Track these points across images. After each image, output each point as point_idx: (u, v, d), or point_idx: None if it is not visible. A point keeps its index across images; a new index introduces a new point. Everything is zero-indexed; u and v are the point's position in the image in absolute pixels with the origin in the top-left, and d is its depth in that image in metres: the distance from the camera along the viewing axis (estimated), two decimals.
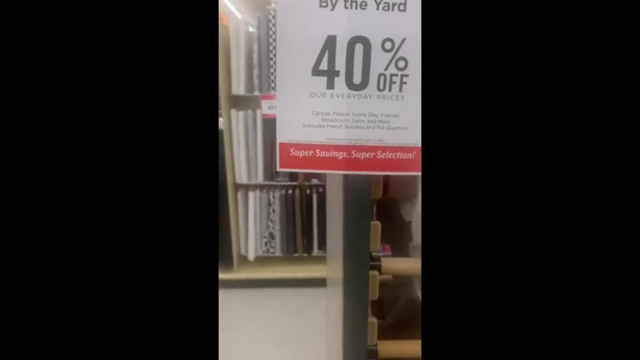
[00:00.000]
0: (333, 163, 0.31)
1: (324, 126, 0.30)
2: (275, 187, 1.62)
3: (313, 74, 0.29)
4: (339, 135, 0.31)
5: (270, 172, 1.60)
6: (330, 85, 0.29)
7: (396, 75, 0.30)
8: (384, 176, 0.36)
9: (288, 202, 1.61)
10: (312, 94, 0.30)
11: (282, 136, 0.31)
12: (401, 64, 0.29)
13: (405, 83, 0.30)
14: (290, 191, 1.61)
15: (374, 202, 0.38)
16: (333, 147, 0.31)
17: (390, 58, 0.29)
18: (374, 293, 0.37)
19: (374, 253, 0.40)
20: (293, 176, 1.61)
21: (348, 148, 0.31)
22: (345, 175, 0.33)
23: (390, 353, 0.43)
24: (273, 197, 1.60)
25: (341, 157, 0.31)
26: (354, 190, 0.33)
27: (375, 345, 0.41)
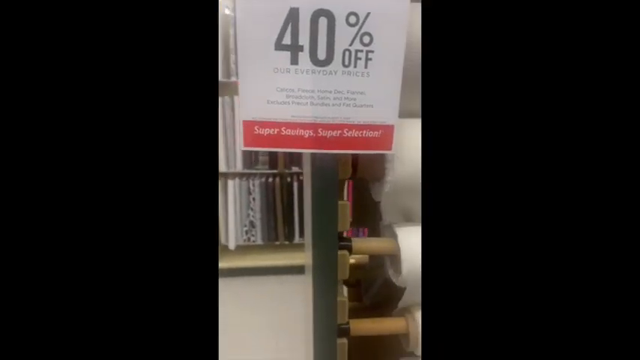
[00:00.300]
0: (299, 142, 0.31)
1: (288, 103, 0.30)
2: (255, 175, 1.61)
3: (276, 49, 0.28)
4: (304, 112, 0.30)
5: (249, 160, 1.58)
6: (294, 61, 0.29)
7: (361, 51, 0.29)
8: (353, 155, 0.36)
9: (268, 190, 1.60)
10: (276, 70, 0.29)
11: (246, 114, 0.30)
12: (366, 39, 0.29)
13: (371, 59, 0.29)
14: (270, 179, 1.60)
15: (343, 182, 0.38)
16: (299, 125, 0.30)
17: (354, 33, 0.29)
18: (344, 273, 0.38)
19: (345, 235, 0.40)
20: (273, 164, 1.60)
21: (314, 126, 0.31)
22: (312, 154, 0.32)
23: (361, 331, 0.43)
24: (253, 185, 1.59)
25: (307, 135, 0.31)
26: (321, 169, 0.33)
27: (347, 323, 0.42)
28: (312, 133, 0.31)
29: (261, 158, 1.59)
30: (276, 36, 0.28)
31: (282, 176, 1.61)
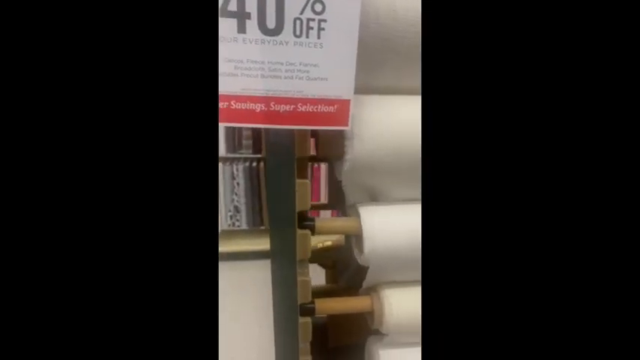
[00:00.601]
0: (250, 116, 0.30)
1: (237, 75, 0.28)
2: (238, 159, 1.58)
3: (221, 15, 0.27)
4: (255, 85, 0.29)
5: (232, 144, 1.55)
6: (242, 29, 0.27)
7: (313, 20, 0.28)
8: (313, 133, 0.35)
9: (252, 175, 1.58)
10: (222, 39, 0.27)
11: None
12: (318, 7, 0.27)
13: (324, 29, 0.28)
14: (254, 164, 1.58)
15: (304, 161, 0.37)
16: (250, 98, 0.29)
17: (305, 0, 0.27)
18: (305, 252, 0.37)
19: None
20: (257, 148, 1.58)
21: (266, 100, 0.29)
22: (266, 130, 0.31)
23: (327, 310, 0.44)
24: (237, 170, 1.57)
25: (259, 109, 0.30)
26: (276, 145, 0.32)
27: (312, 303, 0.42)
28: (263, 107, 0.30)
29: (244, 142, 1.56)
30: (221, 1, 0.26)
31: (266, 161, 1.59)
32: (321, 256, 0.75)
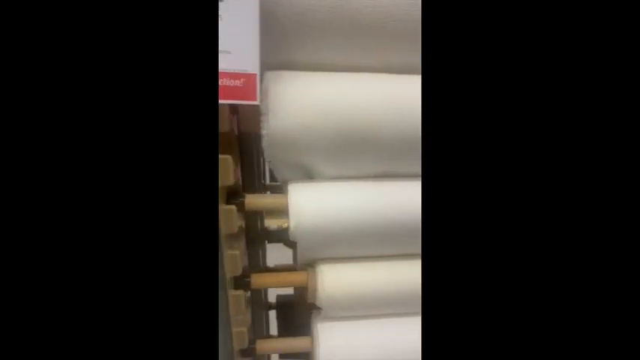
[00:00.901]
0: None
1: None
2: None
3: None
4: None
5: None
6: None
7: None
8: (231, 108, 0.35)
9: None
10: None
11: None
12: None
13: (222, 1, 0.28)
14: None
15: (223, 135, 0.37)
16: None
17: None
18: (231, 227, 0.38)
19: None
20: None
21: None
22: None
23: (262, 285, 0.45)
24: None
25: None
26: None
27: (247, 276, 0.43)
28: None
29: None
30: None
31: None
32: (283, 236, 0.76)
